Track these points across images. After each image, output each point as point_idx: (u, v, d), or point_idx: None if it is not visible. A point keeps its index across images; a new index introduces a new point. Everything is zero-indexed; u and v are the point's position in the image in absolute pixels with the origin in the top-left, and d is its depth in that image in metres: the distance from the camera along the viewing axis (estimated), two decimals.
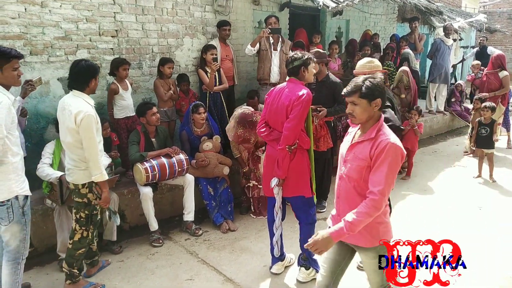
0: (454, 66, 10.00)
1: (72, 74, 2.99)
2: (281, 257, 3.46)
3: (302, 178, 3.15)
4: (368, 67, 3.51)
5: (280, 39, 5.61)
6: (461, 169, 6.31)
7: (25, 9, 4.00)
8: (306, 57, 3.08)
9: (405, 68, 6.39)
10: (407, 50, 7.29)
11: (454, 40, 9.39)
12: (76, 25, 4.39)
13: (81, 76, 2.97)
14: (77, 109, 2.86)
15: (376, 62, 3.59)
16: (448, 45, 8.17)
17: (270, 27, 5.42)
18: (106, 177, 3.02)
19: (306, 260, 3.32)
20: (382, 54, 7.78)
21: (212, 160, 4.33)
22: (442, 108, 8.60)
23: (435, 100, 8.57)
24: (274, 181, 3.15)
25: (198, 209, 4.29)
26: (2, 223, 2.66)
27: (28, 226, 2.76)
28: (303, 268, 3.33)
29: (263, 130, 3.23)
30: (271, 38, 5.51)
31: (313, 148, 3.22)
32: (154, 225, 3.95)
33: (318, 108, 4.33)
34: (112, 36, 4.71)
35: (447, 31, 8.21)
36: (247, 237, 4.08)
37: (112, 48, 4.73)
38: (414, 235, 4.05)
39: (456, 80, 10.12)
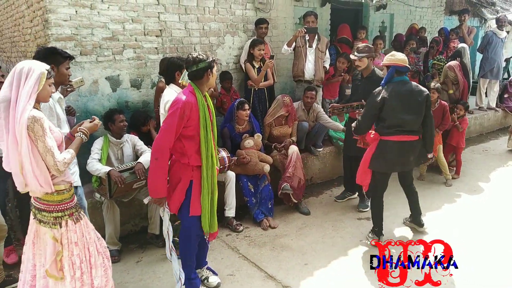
0: (507, 60, 9.43)
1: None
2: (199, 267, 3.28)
3: (173, 193, 2.87)
4: (389, 60, 3.72)
5: (316, 37, 5.54)
6: None
7: (76, 11, 4.18)
8: (211, 58, 2.81)
9: (451, 63, 6.12)
10: (462, 44, 6.95)
11: (508, 32, 8.86)
12: (122, 25, 4.54)
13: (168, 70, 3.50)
14: (167, 99, 3.28)
15: (399, 56, 3.70)
16: (501, 38, 7.74)
17: (306, 26, 5.38)
18: None
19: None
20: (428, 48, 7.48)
21: (253, 158, 4.34)
22: (493, 105, 8.13)
23: (486, 96, 8.13)
24: (147, 197, 3.01)
25: (238, 206, 4.31)
26: None
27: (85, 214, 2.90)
28: None
29: None
30: (307, 36, 5.46)
31: (210, 165, 2.82)
32: None
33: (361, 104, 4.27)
34: (156, 36, 4.83)
35: (500, 23, 7.78)
36: (287, 235, 4.06)
37: (156, 48, 4.85)
38: (461, 240, 3.89)
39: (509, 75, 9.54)
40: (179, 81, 3.27)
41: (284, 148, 4.73)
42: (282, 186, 4.42)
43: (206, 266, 3.30)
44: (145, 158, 3.75)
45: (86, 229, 2.45)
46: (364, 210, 4.56)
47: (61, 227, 2.33)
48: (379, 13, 7.81)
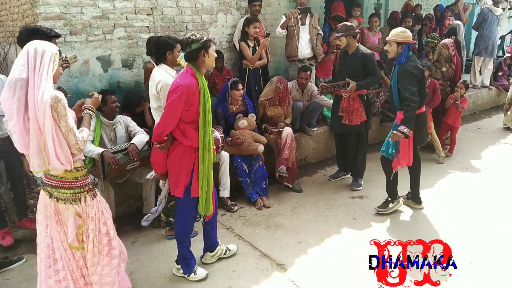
0: (502, 38, 9.37)
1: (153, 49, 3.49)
2: (212, 248, 3.32)
3: (176, 177, 2.86)
4: (401, 36, 3.68)
5: (308, 13, 5.47)
6: (507, 147, 6.01)
7: None
8: (205, 38, 2.74)
9: (445, 41, 6.07)
10: (457, 22, 6.89)
11: (503, 9, 8.78)
12: (112, 3, 4.44)
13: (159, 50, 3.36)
14: (158, 79, 3.22)
15: (409, 33, 3.74)
16: (497, 15, 7.67)
17: (299, 7, 5.30)
18: None
19: (178, 257, 3.13)
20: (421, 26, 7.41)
21: (247, 138, 4.34)
22: (487, 83, 8.12)
23: (480, 74, 8.12)
24: (150, 173, 3.16)
25: (233, 186, 4.33)
26: None
27: None
28: (175, 262, 3.18)
29: None
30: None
31: (207, 147, 2.81)
32: None
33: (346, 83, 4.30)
34: (147, 14, 4.73)
35: None
36: (281, 214, 4.11)
37: (147, 26, 4.76)
38: (454, 218, 3.95)
39: (504, 53, 9.50)
40: (177, 61, 3.26)
41: (277, 133, 4.71)
42: (279, 168, 4.44)
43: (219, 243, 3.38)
44: (138, 139, 3.73)
45: (102, 205, 2.53)
46: (357, 188, 4.61)
47: (80, 202, 2.40)
48: None
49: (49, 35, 2.89)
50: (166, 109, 2.75)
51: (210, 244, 3.31)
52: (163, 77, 3.25)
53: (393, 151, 3.80)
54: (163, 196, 3.13)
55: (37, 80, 2.15)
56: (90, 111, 2.55)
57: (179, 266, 3.13)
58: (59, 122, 2.21)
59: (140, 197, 3.93)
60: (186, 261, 3.10)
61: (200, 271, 3.13)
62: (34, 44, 2.24)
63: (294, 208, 4.22)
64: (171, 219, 3.63)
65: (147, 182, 3.82)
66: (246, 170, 4.38)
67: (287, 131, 4.65)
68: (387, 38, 3.81)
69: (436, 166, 5.30)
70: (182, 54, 2.88)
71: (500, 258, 3.27)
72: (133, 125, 3.91)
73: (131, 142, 3.67)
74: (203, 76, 2.83)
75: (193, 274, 3.09)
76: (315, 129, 5.41)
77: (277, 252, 3.44)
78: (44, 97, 2.13)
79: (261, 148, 4.37)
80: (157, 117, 3.40)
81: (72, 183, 2.38)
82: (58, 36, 3.02)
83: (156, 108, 3.37)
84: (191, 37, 2.73)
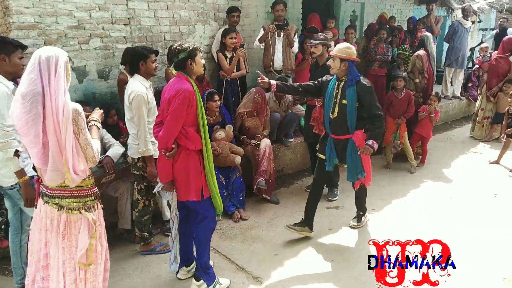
0: (472, 50, 9.73)
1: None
2: (187, 262, 3.28)
3: (187, 182, 2.85)
4: (346, 52, 3.54)
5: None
6: (477, 156, 6.22)
7: None
8: (191, 48, 2.80)
9: (419, 52, 6.26)
10: (426, 33, 7.10)
11: (473, 22, 9.12)
12: (89, 13, 4.39)
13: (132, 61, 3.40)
14: (130, 90, 3.23)
15: (354, 49, 3.61)
16: (466, 28, 7.96)
17: (276, 23, 5.39)
18: (151, 153, 3.32)
19: (198, 271, 3.09)
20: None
21: (224, 149, 4.35)
22: (458, 93, 8.41)
23: (451, 85, 8.39)
24: (158, 186, 3.03)
25: None
26: (20, 204, 2.82)
27: None
28: (194, 280, 3.10)
29: (156, 131, 2.89)
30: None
31: (208, 148, 2.89)
32: (166, 214, 4.01)
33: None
34: (124, 24, 4.70)
35: (466, 12, 7.98)
36: (258, 226, 4.12)
37: (124, 37, 4.72)
38: (428, 224, 4.06)
39: (473, 65, 9.84)
40: (169, 70, 3.27)
41: (254, 145, 4.73)
42: (258, 181, 4.45)
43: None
44: (114, 151, 3.71)
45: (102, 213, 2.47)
46: (333, 199, 4.68)
47: (94, 210, 2.34)
48: (350, 2, 7.87)
49: (15, 45, 2.83)
50: (171, 115, 2.73)
51: (186, 258, 3.27)
52: (135, 88, 3.24)
53: (364, 174, 3.71)
54: (173, 214, 3.05)
55: (53, 93, 2.04)
56: (96, 122, 2.51)
57: (200, 281, 3.04)
58: (79, 136, 2.17)
59: (115, 211, 3.87)
60: (208, 271, 3.05)
61: (224, 280, 3.14)
62: (46, 52, 2.10)
63: (271, 220, 4.25)
64: (145, 234, 3.60)
65: (122, 196, 3.78)
66: (223, 182, 4.38)
67: (265, 142, 4.68)
68: (331, 53, 3.69)
69: (409, 175, 5.44)
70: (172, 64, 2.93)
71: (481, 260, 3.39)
72: (108, 137, 3.86)
73: (106, 154, 3.64)
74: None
75: (218, 285, 3.07)
76: (292, 140, 5.46)
77: (253, 265, 3.45)
78: (65, 111, 2.05)
79: (238, 159, 4.38)
80: (130, 128, 3.38)
81: (85, 191, 2.32)
82: (24, 47, 2.93)
83: (129, 119, 3.36)
84: (178, 47, 2.79)
